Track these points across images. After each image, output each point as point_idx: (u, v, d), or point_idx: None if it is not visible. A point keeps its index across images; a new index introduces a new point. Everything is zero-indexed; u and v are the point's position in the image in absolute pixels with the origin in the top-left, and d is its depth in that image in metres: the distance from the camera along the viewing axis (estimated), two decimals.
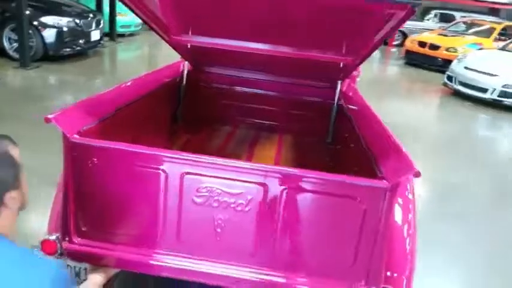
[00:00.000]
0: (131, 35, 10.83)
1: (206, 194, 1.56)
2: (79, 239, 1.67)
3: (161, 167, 1.55)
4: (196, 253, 1.60)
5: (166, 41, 2.50)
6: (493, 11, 17.11)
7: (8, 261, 1.09)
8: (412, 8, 1.52)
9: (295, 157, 2.82)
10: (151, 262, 1.61)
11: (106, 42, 9.04)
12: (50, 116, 1.53)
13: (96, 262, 1.67)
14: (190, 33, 2.47)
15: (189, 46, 2.65)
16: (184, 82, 2.97)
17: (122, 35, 10.32)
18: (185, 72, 2.96)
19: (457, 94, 8.58)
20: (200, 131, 3.00)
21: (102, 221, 1.65)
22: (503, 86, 7.69)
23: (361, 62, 2.45)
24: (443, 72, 9.33)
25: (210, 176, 1.55)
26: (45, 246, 1.69)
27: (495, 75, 7.86)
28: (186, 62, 2.95)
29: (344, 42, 2.34)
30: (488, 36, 11.19)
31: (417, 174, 1.44)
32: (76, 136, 1.57)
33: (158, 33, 2.41)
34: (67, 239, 1.68)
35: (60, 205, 1.67)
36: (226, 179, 1.55)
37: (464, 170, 4.87)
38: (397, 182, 1.48)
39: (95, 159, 1.57)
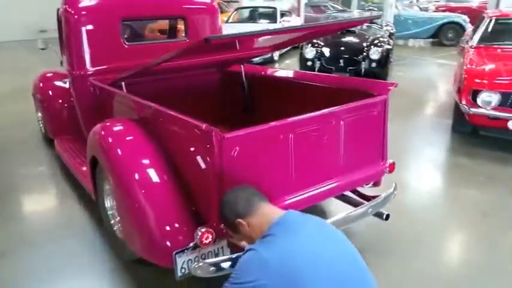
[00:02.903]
0: None
1: (308, 138, 2.27)
2: None
3: (281, 133, 2.15)
4: (319, 180, 2.36)
5: None
6: None
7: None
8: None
9: None
10: (300, 199, 2.25)
11: None
12: (204, 126, 1.89)
13: None
14: None
15: None
16: None
17: None
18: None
19: None
20: None
21: None
22: None
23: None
24: None
25: (308, 127, 2.26)
26: (205, 237, 2.04)
27: None
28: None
29: None
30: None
31: (397, 85, 2.58)
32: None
33: None
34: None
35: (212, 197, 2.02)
36: (315, 126, 2.29)
37: None
38: (389, 93, 2.58)
39: (238, 147, 2.01)
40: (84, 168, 3.55)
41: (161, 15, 3.91)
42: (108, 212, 2.95)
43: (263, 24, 10.92)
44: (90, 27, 3.41)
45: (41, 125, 5.17)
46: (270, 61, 10.37)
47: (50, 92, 4.70)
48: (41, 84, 4.83)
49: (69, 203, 3.69)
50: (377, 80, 2.71)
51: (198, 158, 2.09)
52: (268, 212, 1.64)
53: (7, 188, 4.05)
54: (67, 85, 4.34)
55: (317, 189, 2.38)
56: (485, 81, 4.62)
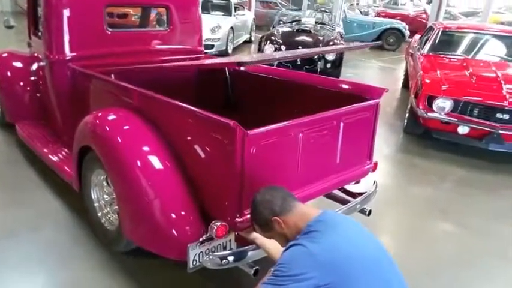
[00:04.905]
0: None
1: (313, 137, 2.38)
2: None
3: (293, 131, 2.24)
4: (318, 177, 2.49)
5: None
6: None
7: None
8: None
9: None
10: (301, 196, 2.34)
11: None
12: (231, 123, 1.92)
13: None
14: None
15: None
16: None
17: None
18: None
19: None
20: None
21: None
22: (205, 40, 9.67)
23: None
24: None
25: (316, 126, 2.37)
26: (221, 230, 2.08)
27: None
28: None
29: None
30: None
31: (388, 90, 2.78)
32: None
33: None
34: (239, 216, 2.11)
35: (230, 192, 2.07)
36: (322, 125, 2.41)
37: None
38: (381, 97, 2.76)
39: (257, 143, 2.06)
40: (60, 156, 3.41)
41: (145, 3, 3.80)
42: (95, 204, 2.87)
43: (218, 16, 10.86)
44: (72, 10, 3.25)
45: None
46: (225, 54, 10.38)
47: (9, 73, 4.38)
48: None
49: (42, 192, 3.50)
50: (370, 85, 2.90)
51: (211, 150, 2.15)
52: (305, 210, 1.71)
53: None
54: (31, 67, 4.10)
55: (316, 186, 2.51)
56: (440, 88, 5.04)
